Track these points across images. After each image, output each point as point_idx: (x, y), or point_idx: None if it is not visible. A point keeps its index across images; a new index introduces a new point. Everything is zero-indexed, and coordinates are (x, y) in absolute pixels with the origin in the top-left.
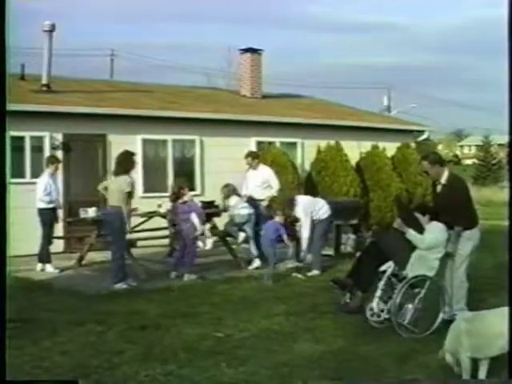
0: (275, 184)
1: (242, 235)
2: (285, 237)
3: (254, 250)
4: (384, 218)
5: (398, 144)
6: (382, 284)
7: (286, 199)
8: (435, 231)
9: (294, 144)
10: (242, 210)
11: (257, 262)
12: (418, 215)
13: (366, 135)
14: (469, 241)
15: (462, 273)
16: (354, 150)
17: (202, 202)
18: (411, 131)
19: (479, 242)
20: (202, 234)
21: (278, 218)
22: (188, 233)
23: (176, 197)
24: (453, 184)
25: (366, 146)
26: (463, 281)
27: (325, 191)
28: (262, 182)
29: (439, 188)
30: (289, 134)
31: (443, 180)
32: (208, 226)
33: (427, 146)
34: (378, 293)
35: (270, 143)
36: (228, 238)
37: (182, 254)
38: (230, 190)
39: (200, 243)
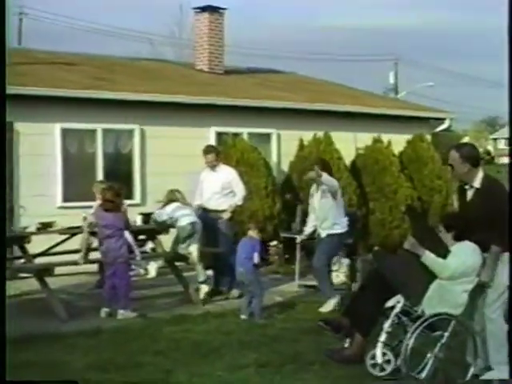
0: (240, 190)
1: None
2: (256, 255)
3: (201, 275)
4: (389, 236)
5: (408, 136)
6: (387, 325)
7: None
8: (464, 254)
9: (268, 136)
10: (183, 218)
11: (204, 289)
12: (440, 231)
13: (366, 124)
14: (506, 266)
15: (498, 311)
16: (349, 144)
17: (143, 214)
18: (426, 119)
19: None
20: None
21: (254, 233)
22: (117, 255)
23: (109, 206)
24: (491, 189)
25: (366, 138)
26: (501, 322)
27: (309, 200)
28: (223, 188)
29: (470, 194)
30: (261, 123)
31: (477, 183)
32: (150, 246)
33: (448, 138)
34: (383, 337)
35: (235, 135)
36: (178, 263)
37: (114, 284)
38: (174, 196)
39: (141, 270)
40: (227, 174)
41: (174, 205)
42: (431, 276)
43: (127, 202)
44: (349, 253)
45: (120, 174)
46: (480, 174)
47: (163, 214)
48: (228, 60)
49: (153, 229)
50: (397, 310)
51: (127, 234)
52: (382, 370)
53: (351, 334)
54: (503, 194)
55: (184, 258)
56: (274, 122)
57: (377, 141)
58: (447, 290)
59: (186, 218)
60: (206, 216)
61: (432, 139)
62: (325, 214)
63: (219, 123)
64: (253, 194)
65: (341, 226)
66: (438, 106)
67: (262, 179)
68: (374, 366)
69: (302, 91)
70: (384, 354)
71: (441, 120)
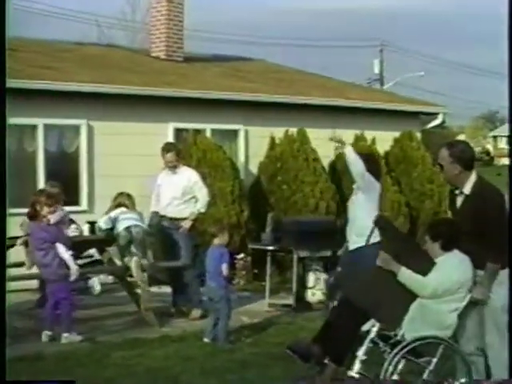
0: (203, 195)
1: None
2: (224, 266)
3: (145, 295)
4: None
5: (395, 134)
6: (361, 352)
7: None
8: (449, 267)
9: (234, 133)
10: (121, 224)
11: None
12: (426, 242)
13: (346, 120)
14: (501, 285)
15: (493, 334)
16: (328, 142)
17: (90, 222)
18: (416, 114)
19: None
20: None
21: (221, 240)
22: (48, 272)
23: (33, 214)
24: (483, 197)
25: (346, 136)
26: (497, 347)
27: (281, 206)
28: (184, 193)
29: (460, 201)
30: (226, 118)
31: (467, 189)
32: (95, 255)
33: (442, 136)
34: (357, 366)
35: (196, 131)
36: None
37: (55, 303)
38: (122, 200)
39: (96, 287)
40: (189, 177)
41: (119, 210)
42: (412, 294)
43: (72, 208)
44: (327, 267)
45: (64, 177)
46: (472, 178)
47: (108, 220)
48: (188, 46)
49: (101, 239)
50: (371, 335)
51: (61, 248)
52: None
53: (322, 362)
54: (498, 202)
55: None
56: (240, 116)
57: (359, 139)
58: (431, 310)
59: (124, 222)
60: (164, 225)
61: (422, 137)
62: (352, 217)
63: (178, 118)
64: (217, 199)
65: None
66: (430, 98)
67: (227, 182)
68: None
69: (273, 81)
70: None
71: (433, 115)
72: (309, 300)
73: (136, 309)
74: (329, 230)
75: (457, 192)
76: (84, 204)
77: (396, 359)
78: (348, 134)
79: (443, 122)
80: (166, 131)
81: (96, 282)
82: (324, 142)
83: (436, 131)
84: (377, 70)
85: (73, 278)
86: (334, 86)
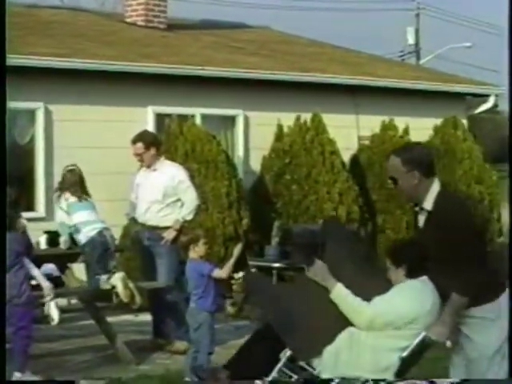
0: (190, 198)
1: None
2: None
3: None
4: None
5: (435, 121)
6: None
7: None
8: (399, 297)
9: (232, 119)
10: (87, 228)
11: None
12: (389, 269)
13: (373, 103)
14: (493, 325)
15: None
16: (349, 131)
17: (48, 232)
18: (462, 95)
19: None
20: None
21: (195, 253)
22: (13, 295)
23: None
24: (446, 211)
25: (373, 123)
26: None
27: (290, 212)
28: (166, 195)
29: (422, 219)
30: (221, 101)
31: (428, 203)
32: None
33: (494, 123)
34: None
35: (182, 117)
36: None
37: (8, 334)
38: (71, 180)
39: (55, 314)
40: (172, 175)
41: (70, 199)
42: (346, 321)
43: (25, 215)
44: None
45: (15, 175)
46: (434, 190)
47: (62, 221)
48: (172, 9)
49: (64, 254)
50: (280, 364)
51: (27, 262)
52: None
53: None
54: (464, 219)
55: (107, 296)
56: (239, 99)
57: (388, 127)
58: (363, 345)
59: (93, 225)
60: (142, 235)
61: (470, 125)
62: None
63: (160, 101)
64: (208, 203)
65: None
66: (479, 76)
67: (221, 182)
68: None
69: (279, 54)
70: None
71: (483, 97)
72: None
73: (106, 341)
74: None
75: (417, 209)
76: (41, 210)
77: None
78: (375, 121)
79: (495, 105)
80: (145, 117)
81: (54, 309)
82: (344, 131)
83: (487, 117)
84: (411, 41)
85: (48, 299)
86: (356, 60)
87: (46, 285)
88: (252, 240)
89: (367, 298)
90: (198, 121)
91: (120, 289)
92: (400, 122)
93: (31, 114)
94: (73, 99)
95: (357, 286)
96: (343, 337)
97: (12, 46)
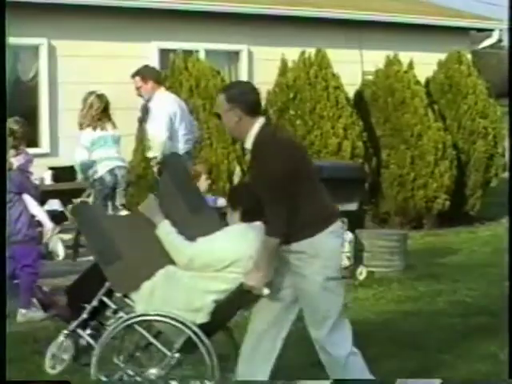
0: (152, 134)
1: None
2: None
3: None
4: (411, 200)
5: (439, 55)
6: (86, 311)
7: None
8: (220, 239)
9: (236, 54)
10: (105, 162)
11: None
12: (227, 213)
13: (376, 38)
14: (314, 260)
15: (325, 330)
16: (353, 66)
17: (53, 168)
18: (465, 30)
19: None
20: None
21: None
22: (12, 232)
23: None
24: (260, 151)
25: (376, 58)
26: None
27: None
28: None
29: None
30: (225, 36)
31: (249, 143)
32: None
33: (498, 59)
34: (73, 325)
35: (187, 52)
36: None
37: (12, 271)
38: (100, 108)
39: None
40: (157, 106)
41: (98, 133)
42: (169, 258)
43: (29, 151)
44: (353, 224)
45: (19, 111)
46: (255, 128)
47: (82, 160)
48: None
49: (69, 189)
50: (100, 294)
51: (29, 200)
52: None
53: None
54: (272, 159)
55: None
56: (243, 34)
57: (392, 62)
58: (180, 284)
59: (107, 163)
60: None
61: (474, 60)
62: None
63: (164, 36)
64: (213, 138)
65: None
66: (483, 10)
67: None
68: (53, 357)
69: None
70: (63, 347)
71: (487, 31)
72: None
73: None
74: (354, 178)
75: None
76: (45, 146)
77: (115, 331)
78: (378, 56)
79: (500, 40)
80: (149, 53)
81: (59, 245)
82: (348, 66)
83: (491, 52)
84: None
85: (47, 238)
86: None
87: (47, 223)
88: None
89: (194, 238)
90: (202, 56)
91: None
92: (404, 57)
93: (35, 49)
94: (76, 35)
95: (186, 224)
96: (161, 273)
97: None
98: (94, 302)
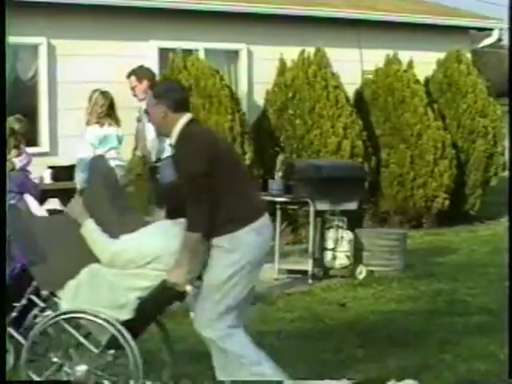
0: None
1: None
2: None
3: None
4: (410, 200)
5: (438, 55)
6: (16, 309)
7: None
8: (144, 235)
9: (235, 54)
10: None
11: None
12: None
13: (376, 37)
14: (228, 255)
15: (222, 324)
16: (353, 65)
17: (53, 167)
18: (465, 29)
19: None
20: None
21: None
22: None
23: None
24: (180, 147)
25: (376, 57)
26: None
27: (293, 146)
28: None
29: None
30: (224, 35)
31: (173, 139)
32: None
33: (498, 58)
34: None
35: (186, 52)
36: None
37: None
38: (105, 105)
39: None
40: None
41: (107, 128)
42: (93, 257)
43: (29, 150)
44: (352, 224)
45: (18, 111)
46: (180, 125)
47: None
48: None
49: (68, 188)
50: (27, 292)
51: (31, 200)
52: None
53: None
54: (189, 155)
55: None
56: (242, 33)
57: (392, 61)
58: (103, 281)
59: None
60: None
61: (474, 59)
62: None
63: (163, 35)
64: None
65: None
66: (483, 9)
67: (225, 116)
68: None
69: None
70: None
71: (486, 31)
72: (329, 264)
73: None
74: (354, 177)
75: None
76: (45, 145)
77: (41, 328)
78: (377, 55)
79: (499, 39)
80: (149, 52)
81: None
82: (348, 65)
83: (491, 51)
84: None
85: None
86: None
87: None
88: (255, 174)
89: (118, 236)
90: (201, 55)
91: None
92: (404, 56)
93: (34, 49)
94: (76, 34)
95: (112, 223)
96: (85, 271)
97: None
98: (23, 301)
